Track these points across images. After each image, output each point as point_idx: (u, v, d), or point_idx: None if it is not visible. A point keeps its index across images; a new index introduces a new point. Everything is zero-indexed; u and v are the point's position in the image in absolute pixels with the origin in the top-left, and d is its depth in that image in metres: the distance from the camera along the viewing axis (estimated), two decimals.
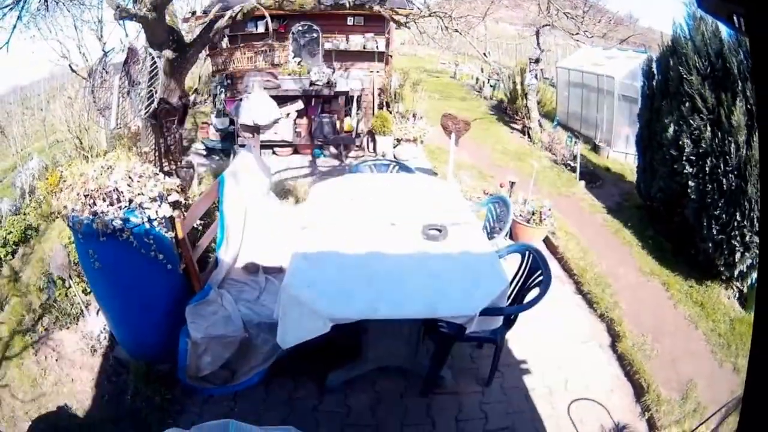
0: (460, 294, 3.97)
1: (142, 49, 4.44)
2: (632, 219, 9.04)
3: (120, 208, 4.03)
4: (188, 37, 5.61)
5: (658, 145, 7.97)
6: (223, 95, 12.14)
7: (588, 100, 14.78)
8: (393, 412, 4.56)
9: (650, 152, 8.42)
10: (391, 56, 13.79)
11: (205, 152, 11.72)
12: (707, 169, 6.75)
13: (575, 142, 12.01)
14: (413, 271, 4.24)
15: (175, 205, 4.43)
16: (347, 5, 6.75)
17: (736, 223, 6.40)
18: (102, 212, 3.95)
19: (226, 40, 12.02)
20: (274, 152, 11.73)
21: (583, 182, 10.96)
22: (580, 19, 12.58)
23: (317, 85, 11.57)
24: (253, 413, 4.47)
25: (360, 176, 6.56)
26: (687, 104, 7.24)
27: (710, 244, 6.74)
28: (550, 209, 7.69)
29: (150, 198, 4.17)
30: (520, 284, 4.75)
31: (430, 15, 8.49)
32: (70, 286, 5.47)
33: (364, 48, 12.03)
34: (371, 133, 11.92)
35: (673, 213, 7.76)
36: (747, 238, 6.36)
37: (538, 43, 14.57)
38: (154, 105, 4.38)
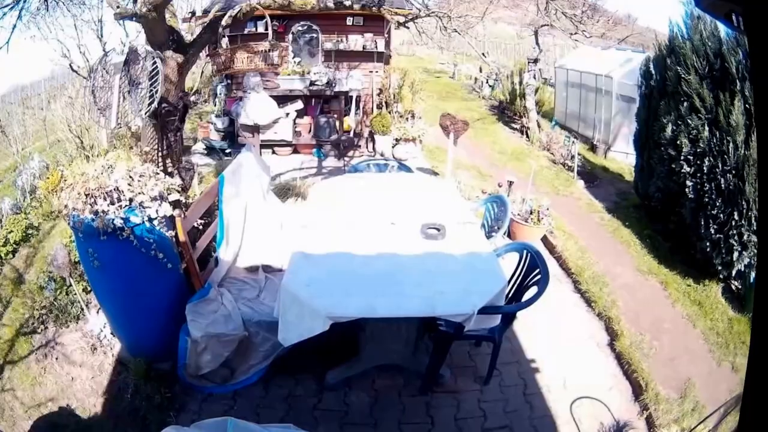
0: (458, 292, 3.99)
1: (142, 49, 4.46)
2: (630, 218, 9.06)
3: (120, 207, 4.04)
4: (188, 37, 5.61)
5: (655, 144, 7.99)
6: (223, 95, 12.16)
7: (586, 99, 14.79)
8: (392, 410, 4.57)
9: (648, 152, 8.43)
10: (390, 56, 13.80)
11: (205, 152, 11.73)
12: (705, 168, 6.77)
13: (573, 142, 12.04)
14: (412, 270, 4.27)
15: (175, 204, 4.45)
16: (352, 5, 6.76)
17: (734, 223, 6.41)
18: (102, 211, 3.97)
19: (226, 40, 12.03)
20: (274, 152, 11.75)
21: (581, 182, 10.99)
22: (578, 19, 12.60)
23: (317, 85, 11.60)
24: (252, 411, 4.48)
25: (359, 176, 6.59)
26: (685, 104, 7.25)
27: (708, 244, 6.75)
28: (548, 208, 7.71)
29: (150, 197, 4.19)
30: (518, 283, 4.78)
31: (428, 15, 8.51)
32: (70, 285, 5.48)
33: (364, 48, 12.04)
34: (370, 133, 11.94)
35: (671, 212, 7.77)
36: (745, 238, 6.37)
37: (537, 43, 14.59)
38: (155, 105, 4.39)
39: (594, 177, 11.41)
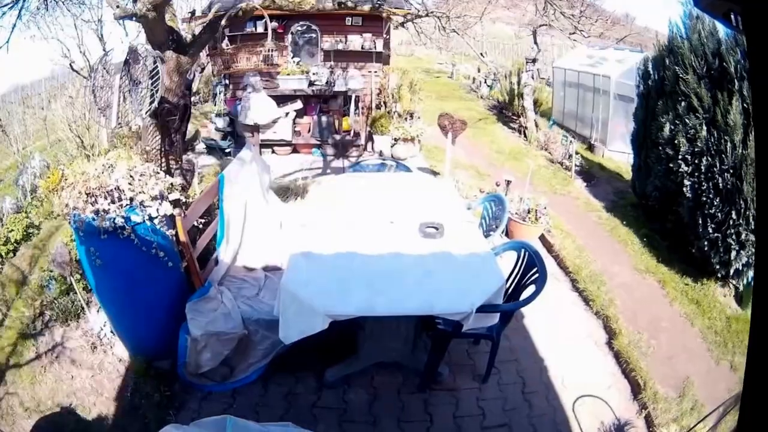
0: (456, 291, 4.02)
1: (142, 49, 4.47)
2: (627, 217, 9.08)
3: (121, 206, 4.05)
4: (188, 37, 5.63)
5: (653, 144, 8.00)
6: (223, 95, 12.18)
7: (584, 99, 14.81)
8: (391, 408, 4.59)
9: (645, 151, 8.46)
10: (389, 56, 13.82)
11: (205, 151, 11.75)
12: (703, 168, 6.78)
13: (571, 142, 12.05)
14: (410, 269, 4.29)
15: (175, 203, 4.46)
16: (355, 5, 6.79)
17: (731, 222, 6.42)
18: (103, 210, 3.98)
19: (225, 40, 12.05)
20: (273, 151, 11.78)
21: (578, 181, 11.02)
22: (576, 18, 12.62)
23: (316, 85, 11.63)
24: (251, 410, 4.49)
25: (358, 175, 6.61)
26: (683, 103, 7.27)
27: (706, 243, 6.77)
28: (545, 207, 7.74)
29: (151, 196, 4.20)
30: (516, 281, 4.79)
31: (427, 15, 8.55)
32: (71, 284, 5.50)
33: (363, 48, 12.05)
34: (369, 133, 11.96)
35: (669, 211, 7.79)
36: (743, 237, 6.38)
37: (536, 43, 14.62)
38: (155, 105, 4.41)
39: (591, 176, 11.43)
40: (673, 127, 7.42)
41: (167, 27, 5.09)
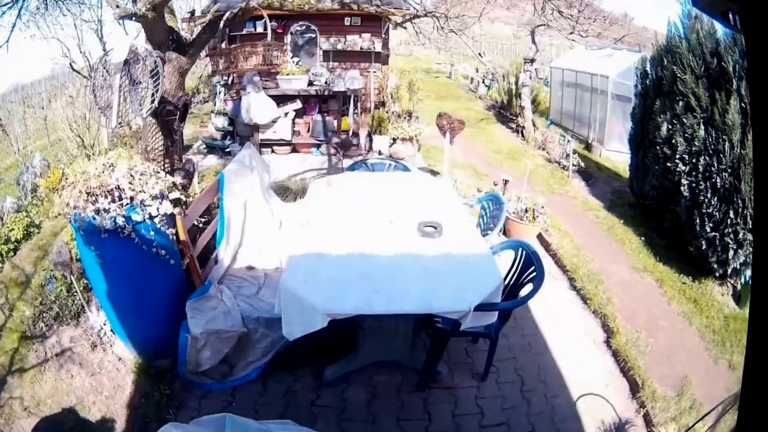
0: (454, 290, 4.03)
1: (142, 49, 4.49)
2: (625, 216, 9.11)
3: (122, 205, 4.07)
4: (188, 37, 5.65)
5: (651, 143, 8.03)
6: (222, 95, 12.19)
7: (582, 99, 14.84)
8: (390, 406, 4.60)
9: (643, 150, 8.48)
10: (388, 56, 13.84)
11: (205, 150, 11.77)
12: (700, 167, 6.80)
13: (568, 141, 12.09)
14: (409, 268, 4.31)
15: (176, 202, 4.48)
16: (359, 6, 6.80)
17: (729, 221, 6.44)
18: (104, 209, 4.00)
19: (225, 40, 12.07)
20: (273, 151, 11.79)
21: (576, 180, 11.05)
22: (575, 18, 12.64)
23: (315, 85, 11.64)
24: (251, 408, 4.50)
25: (357, 174, 6.62)
26: (681, 103, 7.29)
27: (703, 242, 6.79)
28: (543, 207, 7.76)
29: (151, 195, 4.21)
30: (513, 280, 4.81)
31: (426, 15, 8.54)
32: (71, 283, 5.50)
33: (362, 48, 12.08)
34: (368, 133, 11.98)
35: (666, 210, 7.81)
36: (740, 236, 6.40)
37: (534, 42, 14.64)
38: (155, 104, 4.43)
39: (589, 175, 11.46)
40: (670, 127, 7.45)
41: (167, 27, 5.11)
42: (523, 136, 14.65)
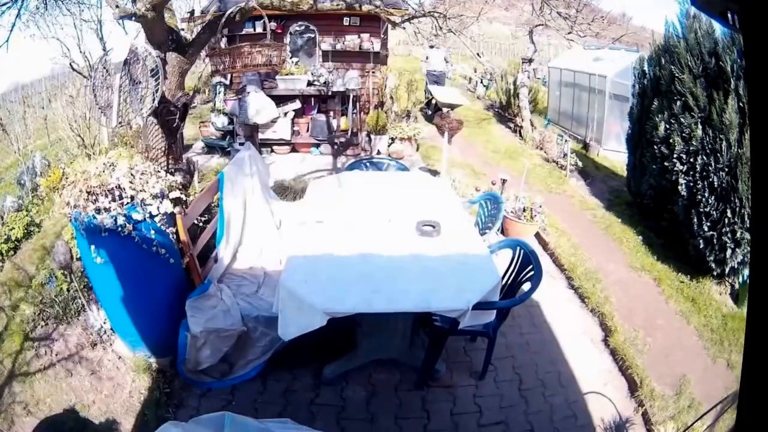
0: (453, 288, 4.05)
1: (142, 49, 4.50)
2: (622, 215, 9.15)
3: (122, 204, 4.08)
4: (188, 37, 5.66)
5: (648, 143, 8.05)
6: (222, 95, 12.20)
7: (579, 98, 14.88)
8: (388, 404, 4.62)
9: (641, 150, 8.50)
10: (386, 56, 13.84)
11: (205, 150, 11.78)
12: (698, 166, 6.83)
13: (566, 141, 12.12)
14: (407, 267, 4.33)
15: (176, 201, 4.49)
16: (358, 7, 6.82)
17: (726, 220, 6.47)
18: (104, 208, 4.01)
19: (224, 40, 12.08)
20: (272, 150, 11.80)
21: (573, 179, 11.09)
22: (573, 18, 12.65)
23: (314, 85, 11.65)
24: (250, 406, 4.52)
25: (356, 174, 6.64)
26: (678, 103, 7.32)
27: (701, 241, 6.81)
28: (540, 206, 7.79)
29: (152, 195, 4.22)
30: (511, 279, 4.83)
31: (424, 15, 8.55)
32: (71, 281, 5.52)
33: (360, 48, 12.08)
34: (367, 132, 11.99)
35: (664, 210, 7.84)
36: (738, 235, 6.42)
37: (532, 42, 14.65)
38: (155, 104, 4.44)
39: (586, 175, 11.51)
40: (668, 126, 7.47)
41: (166, 27, 5.12)
42: (521, 135, 14.68)
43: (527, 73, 14.86)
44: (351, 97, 11.66)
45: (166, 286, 4.77)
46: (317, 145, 11.93)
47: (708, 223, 6.70)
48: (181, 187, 4.83)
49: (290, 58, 12.06)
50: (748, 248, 6.32)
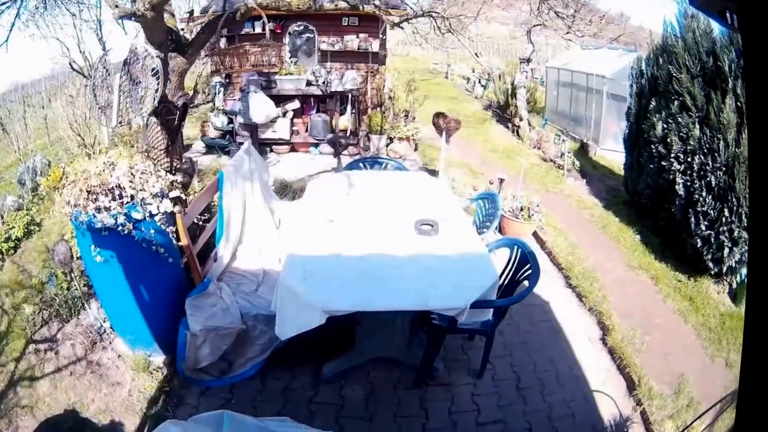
0: (451, 287, 4.07)
1: (142, 49, 4.52)
2: (619, 215, 9.18)
3: (122, 203, 4.10)
4: (187, 37, 5.68)
5: (646, 142, 8.08)
6: (221, 94, 12.22)
7: (577, 98, 14.93)
8: (387, 403, 4.63)
9: (638, 149, 8.53)
10: (385, 56, 13.86)
11: (204, 150, 11.79)
12: (695, 166, 6.85)
13: (563, 140, 12.16)
14: (406, 265, 4.35)
15: (176, 200, 4.50)
16: (361, 8, 6.84)
17: (724, 219, 6.48)
18: (104, 207, 4.03)
19: (224, 40, 12.10)
20: (272, 150, 11.84)
21: (571, 179, 11.11)
22: (570, 18, 12.68)
23: (313, 85, 11.67)
24: (249, 405, 4.53)
25: (354, 173, 6.65)
26: (676, 102, 7.34)
27: (698, 240, 6.83)
28: (538, 205, 7.81)
29: (152, 194, 4.24)
30: (509, 277, 4.85)
31: (423, 15, 8.58)
32: (71, 280, 5.53)
33: (359, 48, 12.10)
34: (366, 132, 12.01)
35: (661, 209, 7.87)
36: (736, 234, 6.44)
37: (531, 42, 14.68)
38: (155, 104, 4.46)
39: (584, 174, 11.54)
40: (665, 126, 7.49)
41: (166, 27, 5.13)
42: (518, 135, 14.72)
43: (525, 74, 14.89)
44: (350, 97, 11.67)
45: (165, 285, 4.79)
46: (316, 145, 11.95)
47: (705, 222, 6.72)
48: (180, 186, 4.85)
49: (289, 58, 12.09)
50: (746, 247, 6.34)
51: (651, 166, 7.92)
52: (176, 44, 5.32)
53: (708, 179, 6.66)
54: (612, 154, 12.89)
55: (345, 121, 11.89)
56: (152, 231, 4.30)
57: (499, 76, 18.43)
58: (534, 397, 4.84)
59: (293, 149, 12.07)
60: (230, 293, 5.10)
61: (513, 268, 4.85)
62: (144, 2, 4.46)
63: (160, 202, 4.28)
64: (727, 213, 6.45)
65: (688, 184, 6.98)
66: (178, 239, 4.68)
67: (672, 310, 6.41)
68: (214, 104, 12.39)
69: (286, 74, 11.58)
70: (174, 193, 4.47)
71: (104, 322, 5.22)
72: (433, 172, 9.99)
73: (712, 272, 6.94)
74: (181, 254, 4.85)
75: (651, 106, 7.99)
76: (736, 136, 6.41)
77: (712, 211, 6.64)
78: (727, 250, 6.57)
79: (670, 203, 7.48)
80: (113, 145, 7.48)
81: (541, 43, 21.69)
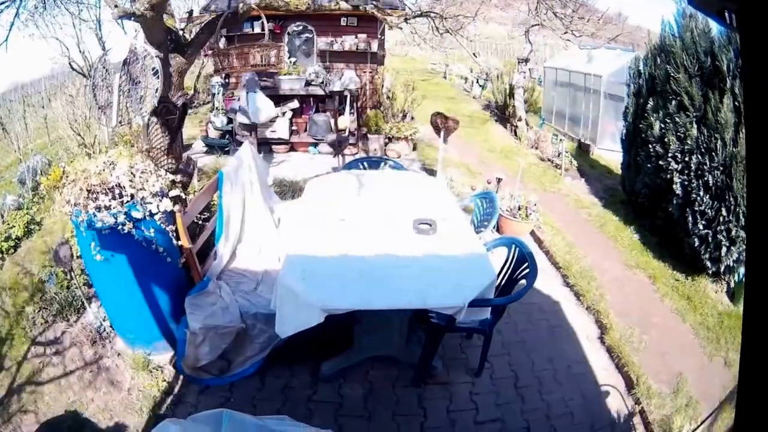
0: (449, 285, 4.09)
1: (141, 48, 4.53)
2: (617, 214, 9.21)
3: (122, 202, 4.12)
4: (187, 37, 5.68)
5: (643, 142, 8.10)
6: (221, 94, 12.24)
7: (574, 98, 14.95)
8: (385, 401, 4.65)
9: (635, 149, 8.56)
10: (384, 56, 13.88)
11: (204, 149, 11.81)
12: (693, 165, 6.87)
13: (561, 140, 12.19)
14: (404, 264, 4.36)
15: (176, 200, 4.52)
16: (363, 9, 6.85)
17: (722, 219, 6.50)
18: (105, 206, 4.04)
19: (223, 40, 12.12)
20: (271, 150, 11.86)
21: (568, 178, 11.13)
22: (569, 18, 12.69)
23: (312, 84, 11.70)
24: (249, 403, 4.54)
25: (353, 173, 6.67)
26: (674, 102, 7.36)
27: (696, 239, 6.85)
28: (535, 204, 7.83)
29: (151, 193, 4.26)
30: (507, 276, 4.86)
31: (421, 15, 8.58)
32: (71, 279, 5.54)
33: (358, 49, 12.13)
34: (364, 132, 12.03)
35: (658, 208, 7.89)
36: (733, 233, 6.45)
37: (529, 42, 14.69)
38: (154, 103, 4.47)
39: (581, 174, 11.56)
40: (663, 126, 7.51)
41: (165, 27, 5.14)
42: (516, 135, 14.73)
43: (523, 74, 14.89)
44: (348, 96, 11.69)
45: (165, 284, 4.80)
46: (315, 145, 11.97)
47: (703, 222, 6.73)
48: (180, 185, 4.87)
49: (288, 58, 12.11)
50: (744, 246, 6.36)
51: (648, 165, 7.94)
52: (176, 44, 5.33)
53: (705, 179, 6.68)
54: (609, 154, 12.92)
55: (344, 121, 11.91)
56: (152, 230, 4.31)
57: (498, 76, 18.43)
58: (532, 396, 4.85)
59: (292, 149, 12.10)
60: (230, 292, 5.11)
61: (511, 267, 4.87)
62: (143, 2, 4.47)
63: (160, 201, 4.30)
64: (724, 212, 6.47)
65: (686, 183, 7.00)
66: (177, 238, 4.69)
67: (670, 309, 6.43)
68: (214, 104, 12.40)
69: (285, 74, 11.61)
70: (174, 192, 4.49)
71: (104, 321, 5.23)
72: (432, 172, 10.02)
73: (710, 271, 6.95)
74: (180, 253, 4.86)
75: (649, 105, 8.01)
76: (733, 136, 6.42)
77: (709, 211, 6.65)
78: (724, 249, 6.58)
79: (667, 202, 7.50)
80: (113, 145, 7.49)
81: (539, 43, 21.71)
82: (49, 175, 4.45)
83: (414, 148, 12.36)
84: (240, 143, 10.18)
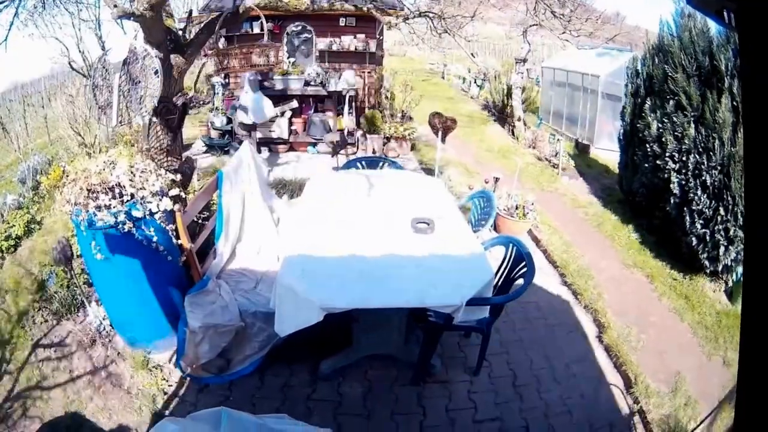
0: (447, 284, 4.09)
1: (141, 48, 4.54)
2: (614, 213, 9.23)
3: (122, 202, 4.13)
4: (187, 37, 5.69)
5: (641, 141, 8.11)
6: (221, 94, 12.26)
7: (572, 98, 14.98)
8: (384, 400, 4.65)
9: (633, 149, 8.57)
10: (382, 57, 13.90)
11: (204, 149, 11.82)
12: (690, 165, 6.88)
13: (558, 140, 12.21)
14: (402, 263, 4.37)
15: (175, 199, 4.53)
16: (363, 9, 6.87)
17: (719, 218, 6.50)
18: (105, 206, 4.06)
19: (223, 40, 12.14)
20: (270, 149, 11.88)
21: (565, 178, 11.15)
22: (567, 18, 12.71)
23: (311, 85, 11.72)
24: (248, 402, 4.55)
25: (352, 173, 6.68)
26: (671, 102, 7.36)
27: (694, 239, 6.85)
28: (533, 203, 7.84)
29: (151, 192, 4.27)
30: (504, 275, 4.87)
31: (420, 15, 8.61)
32: (71, 278, 5.55)
33: (356, 49, 12.15)
34: (363, 132, 12.04)
35: (655, 208, 7.89)
36: (731, 233, 6.46)
37: (527, 42, 14.71)
38: (154, 103, 4.48)
39: (579, 173, 11.58)
40: (660, 125, 7.52)
41: (165, 27, 5.15)
42: (514, 135, 14.77)
43: (521, 74, 14.91)
44: (347, 96, 11.71)
45: (165, 282, 4.81)
46: (314, 144, 11.99)
47: (701, 221, 6.74)
48: (180, 185, 4.87)
49: (287, 58, 12.13)
50: (742, 246, 6.37)
51: (646, 165, 7.95)
52: (175, 44, 5.34)
53: (703, 178, 6.68)
54: (607, 154, 12.94)
55: (343, 121, 11.93)
56: (152, 229, 4.32)
57: (495, 77, 18.48)
58: (530, 395, 4.85)
59: (292, 148, 12.14)
60: (229, 291, 5.12)
61: (508, 266, 4.88)
62: (142, 2, 4.48)
63: (160, 200, 4.32)
64: (722, 212, 6.47)
65: (683, 182, 7.01)
66: (177, 237, 4.71)
67: (667, 308, 6.43)
68: (213, 104, 12.43)
69: (284, 74, 11.63)
70: (174, 192, 4.50)
71: (104, 319, 5.23)
72: (430, 172, 10.03)
73: (708, 271, 6.95)
74: (180, 252, 4.87)
75: (646, 105, 8.02)
76: (731, 136, 6.43)
77: (707, 210, 6.66)
78: (722, 248, 6.58)
79: (665, 202, 7.50)
80: (113, 144, 7.51)
81: (537, 43, 21.73)
82: (49, 174, 4.48)
83: (412, 148, 12.38)
84: (240, 143, 10.22)
